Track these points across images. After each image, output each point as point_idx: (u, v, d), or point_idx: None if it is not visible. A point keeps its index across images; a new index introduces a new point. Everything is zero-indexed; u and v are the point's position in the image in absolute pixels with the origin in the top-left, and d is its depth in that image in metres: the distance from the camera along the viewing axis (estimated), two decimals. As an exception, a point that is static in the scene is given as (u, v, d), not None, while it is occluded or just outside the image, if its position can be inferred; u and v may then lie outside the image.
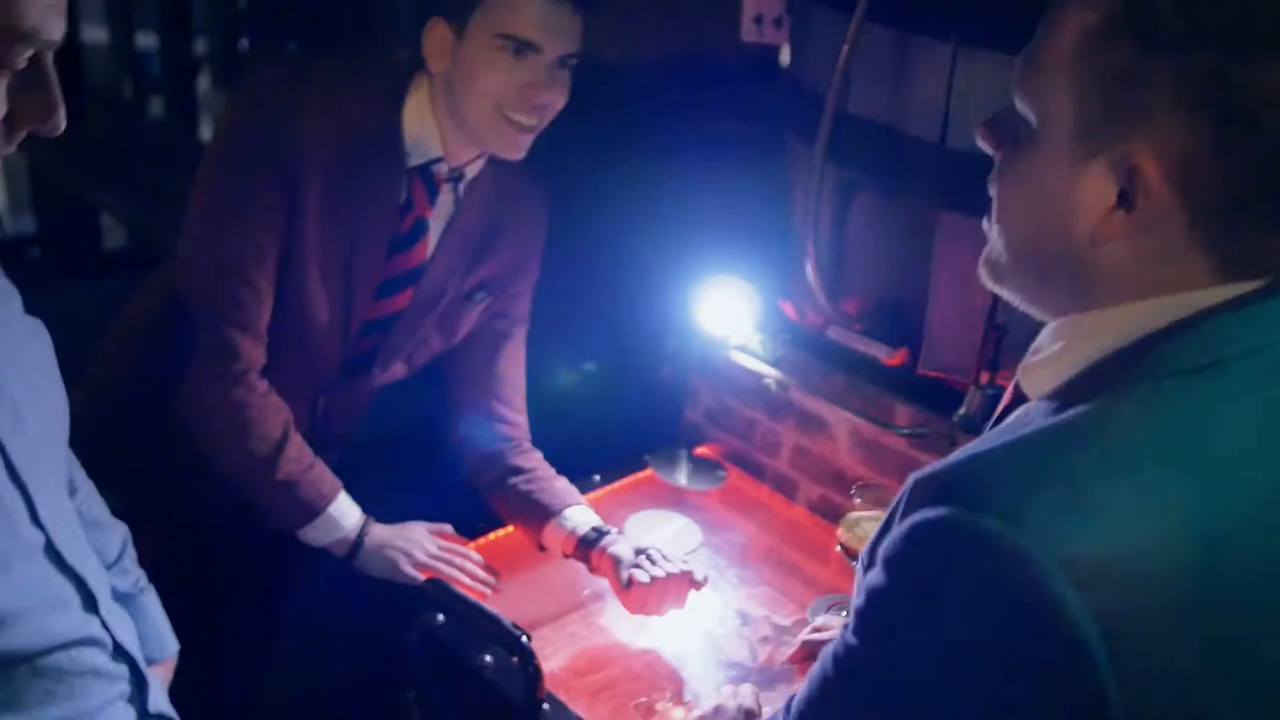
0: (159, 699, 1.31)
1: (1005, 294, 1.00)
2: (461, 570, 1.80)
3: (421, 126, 1.72)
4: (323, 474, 1.77)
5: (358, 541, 1.78)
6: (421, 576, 1.77)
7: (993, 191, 0.97)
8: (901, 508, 0.87)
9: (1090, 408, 0.86)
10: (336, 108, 1.68)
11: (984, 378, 1.75)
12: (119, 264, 4.88)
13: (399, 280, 1.80)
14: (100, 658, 1.21)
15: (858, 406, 1.97)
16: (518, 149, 1.71)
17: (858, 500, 1.72)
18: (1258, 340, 0.84)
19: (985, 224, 1.00)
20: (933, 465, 0.88)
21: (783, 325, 2.09)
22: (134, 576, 1.45)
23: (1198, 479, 0.81)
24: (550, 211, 1.93)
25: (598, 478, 2.12)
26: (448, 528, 1.90)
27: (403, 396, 1.98)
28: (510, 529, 1.95)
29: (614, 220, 2.35)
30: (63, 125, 1.01)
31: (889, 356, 1.93)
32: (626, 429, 2.23)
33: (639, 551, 1.75)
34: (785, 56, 2.14)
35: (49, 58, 0.99)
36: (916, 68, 1.74)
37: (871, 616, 0.88)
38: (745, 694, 1.48)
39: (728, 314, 2.07)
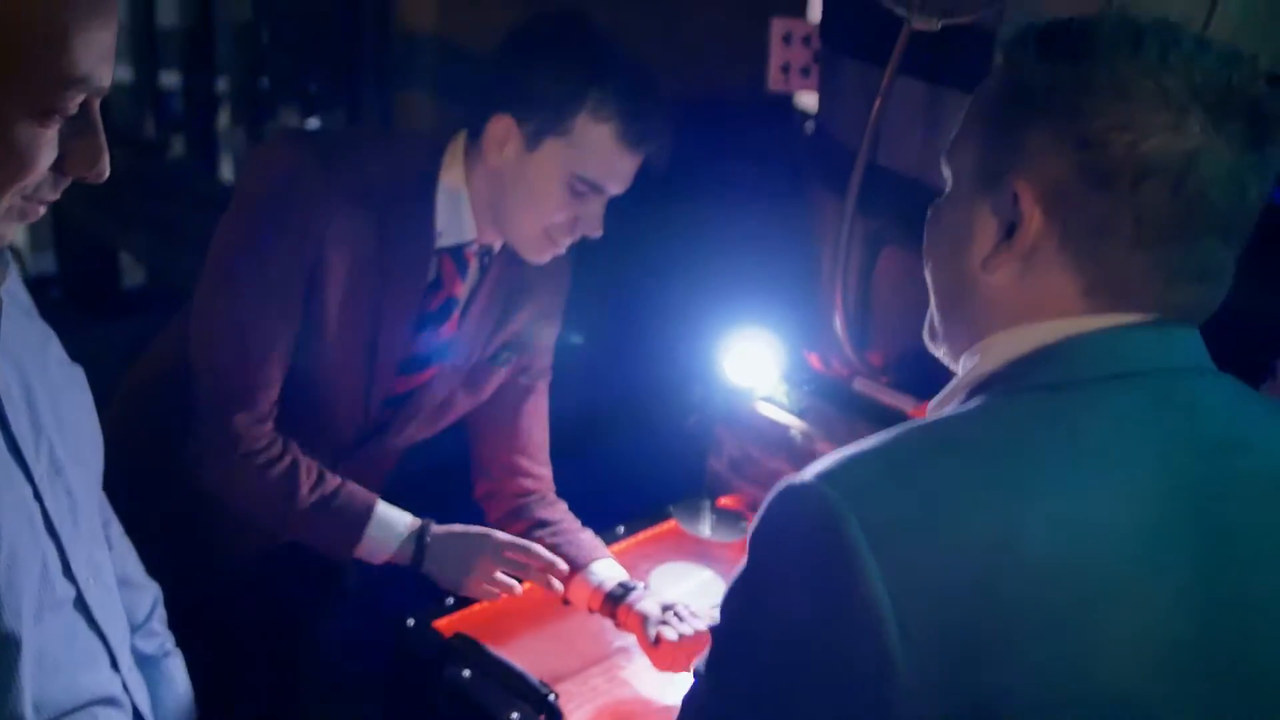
0: None
1: (940, 354, 1.06)
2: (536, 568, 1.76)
3: (455, 208, 1.68)
4: (354, 491, 1.72)
5: (420, 539, 1.73)
6: (501, 594, 1.73)
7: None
8: None
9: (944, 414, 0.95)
10: (363, 192, 1.62)
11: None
12: (139, 303, 4.90)
13: (425, 357, 1.78)
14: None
15: (884, 459, 1.95)
16: (545, 259, 1.72)
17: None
18: (1115, 367, 0.90)
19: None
20: None
21: (808, 376, 2.08)
22: (160, 639, 1.43)
23: (1011, 472, 0.86)
24: (574, 262, 1.92)
25: (621, 529, 2.09)
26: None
27: (427, 445, 1.96)
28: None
29: (640, 271, 2.35)
30: (107, 172, 1.02)
31: (915, 409, 1.91)
32: (650, 479, 2.21)
33: (666, 608, 1.73)
34: (803, 100, 2.14)
35: (96, 105, 1.00)
36: (946, 120, 1.74)
37: (730, 588, 0.94)
38: None
39: (753, 364, 2.06)
